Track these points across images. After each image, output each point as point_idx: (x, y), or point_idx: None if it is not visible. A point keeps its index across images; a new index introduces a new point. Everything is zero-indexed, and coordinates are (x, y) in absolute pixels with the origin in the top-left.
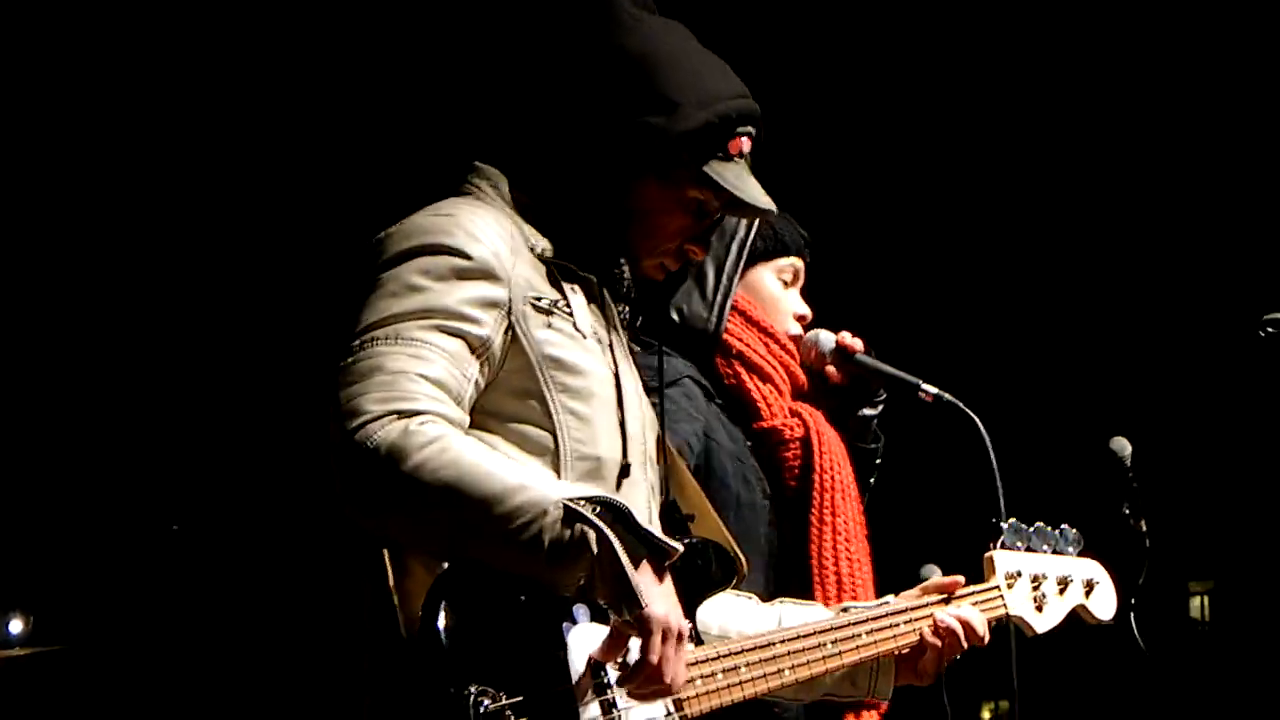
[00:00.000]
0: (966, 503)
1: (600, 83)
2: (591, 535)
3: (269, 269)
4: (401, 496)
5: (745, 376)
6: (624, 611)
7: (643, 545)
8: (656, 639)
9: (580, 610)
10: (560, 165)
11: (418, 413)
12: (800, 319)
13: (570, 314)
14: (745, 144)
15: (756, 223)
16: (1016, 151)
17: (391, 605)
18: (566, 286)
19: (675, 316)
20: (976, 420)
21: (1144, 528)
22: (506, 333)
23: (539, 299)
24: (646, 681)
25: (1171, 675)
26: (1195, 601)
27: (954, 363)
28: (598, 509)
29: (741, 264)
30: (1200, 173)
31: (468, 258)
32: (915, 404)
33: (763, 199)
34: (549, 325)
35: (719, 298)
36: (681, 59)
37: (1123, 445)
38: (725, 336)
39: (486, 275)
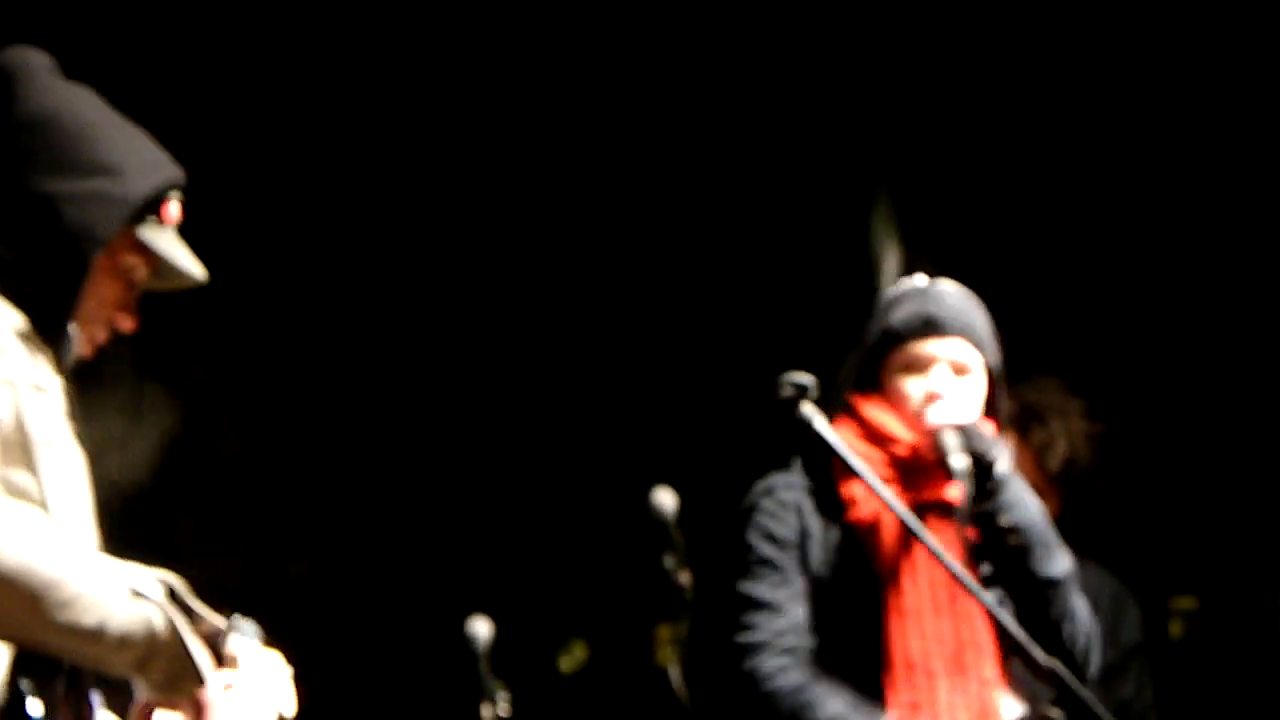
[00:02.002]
0: None
1: (38, 145)
2: (156, 617)
3: None
4: None
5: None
6: (177, 693)
7: (190, 622)
8: (215, 715)
9: (95, 695)
10: (10, 230)
11: None
12: (930, 398)
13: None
14: (177, 210)
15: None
16: None
17: None
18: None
19: None
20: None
21: (687, 581)
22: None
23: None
24: None
25: None
26: None
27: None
28: (161, 589)
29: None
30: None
31: None
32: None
33: (196, 266)
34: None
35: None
36: (110, 123)
37: (665, 499)
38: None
39: None
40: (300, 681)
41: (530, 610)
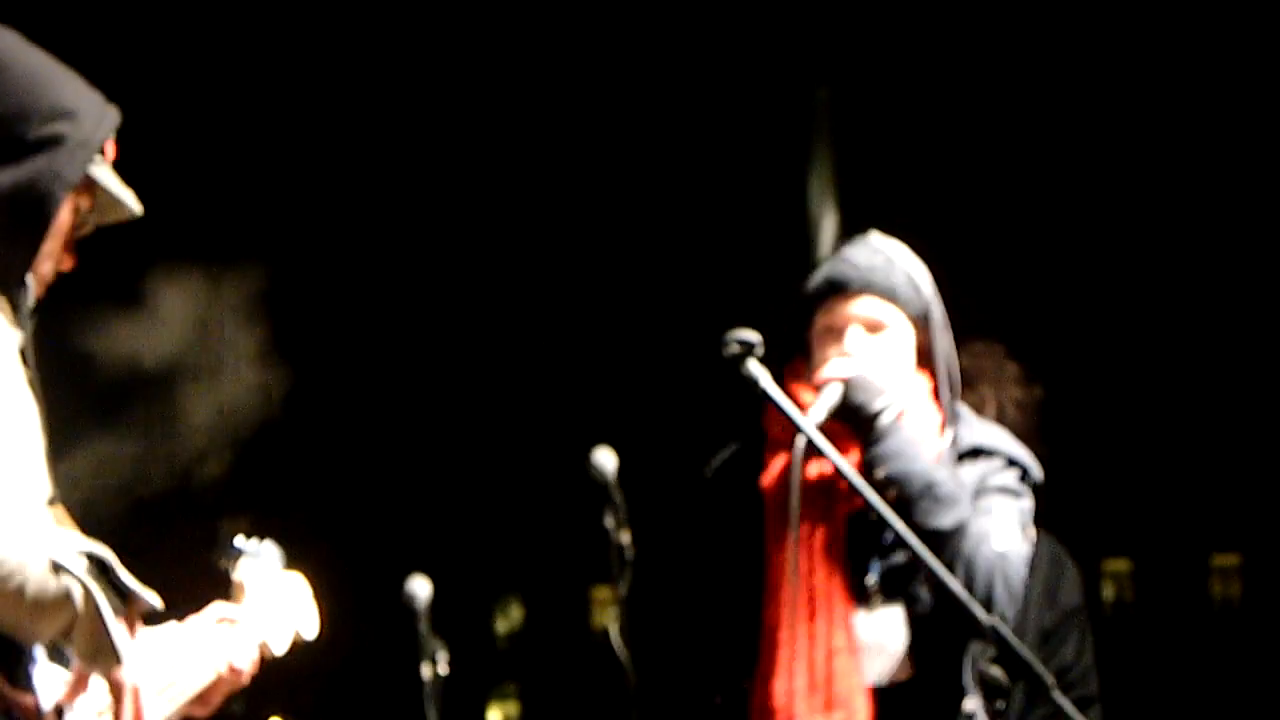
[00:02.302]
0: None
1: None
2: (77, 589)
3: None
4: None
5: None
6: (98, 666)
7: (121, 598)
8: (130, 698)
9: (38, 649)
10: None
11: None
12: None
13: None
14: (112, 147)
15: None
16: None
17: None
18: None
19: None
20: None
21: (626, 540)
22: None
23: None
24: None
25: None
26: None
27: None
28: (84, 561)
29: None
30: None
31: None
32: None
33: (134, 200)
34: None
35: None
36: (49, 65)
37: (605, 459)
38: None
39: None
40: None
41: (469, 570)
